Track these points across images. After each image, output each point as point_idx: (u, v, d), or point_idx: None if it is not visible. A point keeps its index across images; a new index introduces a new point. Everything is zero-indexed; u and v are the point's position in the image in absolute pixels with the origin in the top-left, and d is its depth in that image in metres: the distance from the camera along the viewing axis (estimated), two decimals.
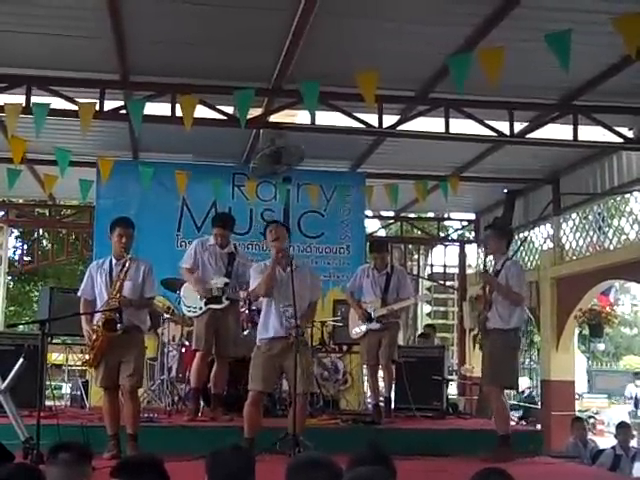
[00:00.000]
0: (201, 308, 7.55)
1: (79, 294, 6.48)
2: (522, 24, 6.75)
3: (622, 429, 9.57)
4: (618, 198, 11.25)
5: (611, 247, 11.00)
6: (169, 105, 7.98)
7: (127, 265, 6.24)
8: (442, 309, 20.35)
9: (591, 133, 9.07)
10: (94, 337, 6.16)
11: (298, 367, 6.06)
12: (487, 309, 6.81)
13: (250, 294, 6.98)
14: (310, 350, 6.49)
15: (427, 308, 20.79)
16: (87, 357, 6.36)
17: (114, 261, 6.38)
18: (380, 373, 8.34)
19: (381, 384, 8.37)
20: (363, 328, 8.03)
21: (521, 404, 15.17)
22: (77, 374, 9.83)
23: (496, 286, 6.80)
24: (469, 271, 15.72)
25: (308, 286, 6.40)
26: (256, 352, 6.46)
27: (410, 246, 16.24)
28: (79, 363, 9.14)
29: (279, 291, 6.32)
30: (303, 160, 9.67)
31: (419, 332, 15.12)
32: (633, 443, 9.89)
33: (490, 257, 7.89)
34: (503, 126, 8.58)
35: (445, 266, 15.96)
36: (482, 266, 6.79)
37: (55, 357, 11.25)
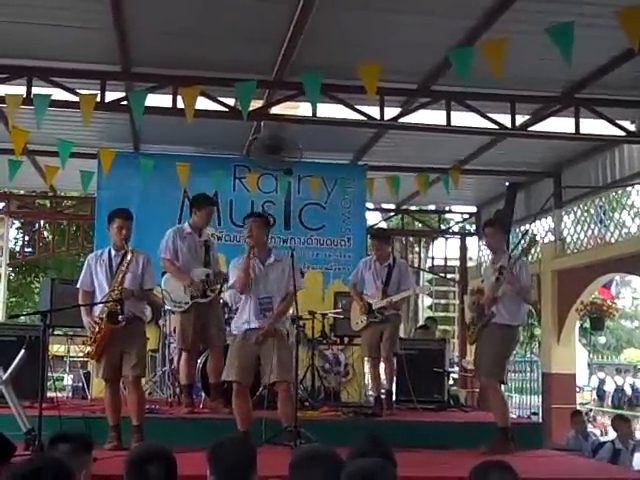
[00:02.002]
0: (187, 303, 7.41)
1: (78, 286, 6.46)
2: (524, 16, 6.73)
3: (620, 422, 9.59)
4: (619, 191, 11.24)
5: (612, 240, 11.00)
6: (170, 97, 7.97)
7: (129, 257, 6.24)
8: (443, 302, 20.39)
9: (593, 126, 9.06)
10: (96, 329, 6.16)
11: (275, 357, 6.14)
12: (492, 304, 6.80)
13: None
14: (287, 341, 6.48)
15: (428, 301, 20.84)
16: (89, 349, 6.35)
17: (113, 252, 6.37)
18: (381, 365, 8.35)
19: (382, 377, 8.38)
20: (364, 320, 8.04)
21: None
22: (79, 365, 9.86)
23: (515, 283, 6.73)
24: (470, 264, 15.72)
25: (286, 278, 6.41)
26: (232, 342, 6.51)
27: (411, 239, 16.24)
28: (80, 354, 9.15)
29: (257, 283, 6.36)
30: (298, 157, 9.69)
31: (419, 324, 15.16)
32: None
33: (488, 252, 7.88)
34: (505, 119, 8.56)
35: (446, 259, 15.96)
36: (505, 261, 6.79)
37: (57, 348, 11.27)
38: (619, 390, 19.16)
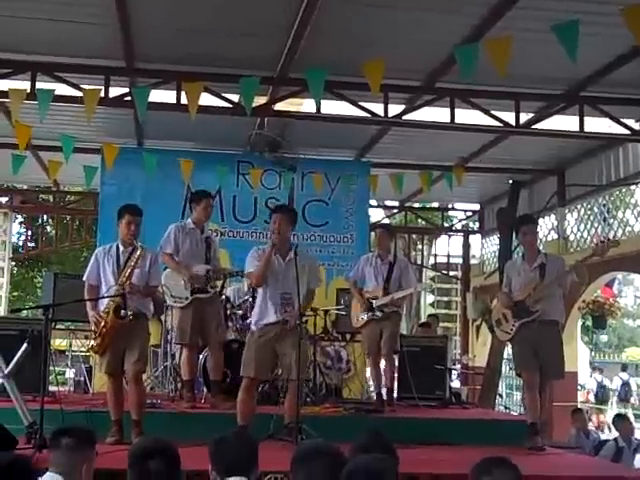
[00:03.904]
0: (187, 298, 7.41)
1: (84, 279, 6.47)
2: (529, 14, 6.72)
3: (620, 421, 9.58)
4: (623, 190, 11.22)
5: (615, 239, 10.97)
6: (174, 92, 7.97)
7: (139, 252, 6.24)
8: (445, 299, 20.34)
9: (597, 124, 9.05)
10: (102, 324, 6.16)
11: (294, 353, 6.08)
12: (538, 302, 6.84)
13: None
14: (308, 339, 6.45)
15: (430, 298, 20.80)
16: (93, 344, 6.35)
17: (121, 248, 6.38)
18: (382, 363, 8.34)
19: (383, 374, 8.38)
20: (364, 317, 8.04)
21: None
22: (81, 360, 9.86)
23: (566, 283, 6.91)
24: (473, 261, 15.72)
25: (306, 275, 6.37)
26: (250, 337, 6.44)
27: (414, 236, 16.22)
28: (83, 349, 9.15)
29: (277, 279, 6.31)
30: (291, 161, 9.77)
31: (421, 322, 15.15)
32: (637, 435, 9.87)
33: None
34: (509, 117, 8.55)
35: (449, 256, 15.96)
36: (543, 259, 6.94)
37: (59, 342, 11.28)
38: (626, 384, 19.52)
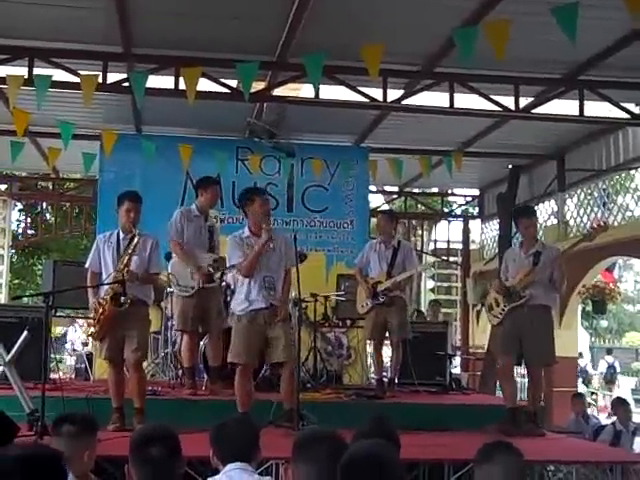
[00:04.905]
0: (193, 287, 7.41)
1: (87, 266, 6.48)
2: None
3: (618, 405, 9.60)
4: (623, 174, 11.20)
5: (615, 223, 10.97)
6: (172, 78, 7.93)
7: (136, 239, 6.23)
8: (445, 285, 20.32)
9: (597, 109, 9.02)
10: (100, 310, 6.17)
11: (283, 337, 6.15)
12: (528, 287, 6.88)
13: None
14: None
15: (430, 283, 20.78)
16: (92, 330, 6.37)
17: (121, 235, 6.37)
18: (388, 352, 8.36)
19: (387, 361, 8.39)
20: (369, 303, 8.06)
21: None
22: (80, 348, 9.87)
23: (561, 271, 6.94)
24: (473, 247, 15.71)
25: (283, 255, 6.41)
26: (237, 324, 6.38)
27: (414, 221, 16.19)
28: (84, 336, 9.17)
29: (259, 262, 6.32)
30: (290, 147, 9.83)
31: (423, 306, 15.17)
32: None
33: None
34: (508, 101, 8.52)
35: (449, 242, 15.94)
36: (540, 247, 7.00)
37: (59, 330, 11.29)
38: (611, 367, 20.22)
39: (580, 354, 20.32)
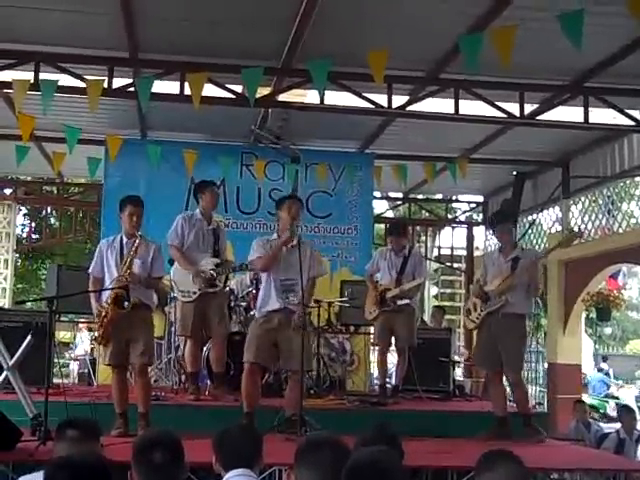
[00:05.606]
0: (195, 292, 7.41)
1: (89, 271, 6.49)
2: (534, 3, 6.68)
3: (625, 413, 9.57)
4: (628, 181, 11.18)
5: (620, 230, 10.95)
6: (178, 83, 7.94)
7: (137, 242, 6.24)
8: (449, 291, 20.30)
9: (602, 116, 9.00)
10: (103, 314, 6.17)
11: (294, 344, 6.14)
12: (505, 293, 6.90)
13: (251, 268, 6.98)
14: (312, 330, 6.49)
15: (434, 290, 20.76)
16: (96, 334, 6.38)
17: (125, 239, 6.39)
18: (392, 359, 8.36)
19: (391, 368, 8.38)
20: (376, 309, 8.09)
21: None
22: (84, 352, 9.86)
23: (534, 276, 6.97)
24: (477, 253, 15.68)
25: (308, 262, 6.40)
26: (253, 324, 6.52)
27: (418, 227, 16.18)
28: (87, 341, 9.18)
29: (279, 265, 6.35)
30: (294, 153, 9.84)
31: (427, 313, 15.13)
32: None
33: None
34: (513, 108, 8.51)
35: (453, 248, 15.91)
36: (519, 252, 7.04)
37: (63, 335, 11.30)
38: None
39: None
